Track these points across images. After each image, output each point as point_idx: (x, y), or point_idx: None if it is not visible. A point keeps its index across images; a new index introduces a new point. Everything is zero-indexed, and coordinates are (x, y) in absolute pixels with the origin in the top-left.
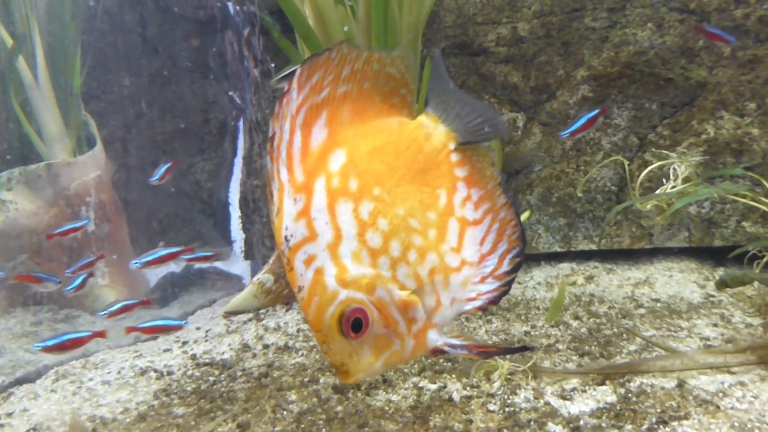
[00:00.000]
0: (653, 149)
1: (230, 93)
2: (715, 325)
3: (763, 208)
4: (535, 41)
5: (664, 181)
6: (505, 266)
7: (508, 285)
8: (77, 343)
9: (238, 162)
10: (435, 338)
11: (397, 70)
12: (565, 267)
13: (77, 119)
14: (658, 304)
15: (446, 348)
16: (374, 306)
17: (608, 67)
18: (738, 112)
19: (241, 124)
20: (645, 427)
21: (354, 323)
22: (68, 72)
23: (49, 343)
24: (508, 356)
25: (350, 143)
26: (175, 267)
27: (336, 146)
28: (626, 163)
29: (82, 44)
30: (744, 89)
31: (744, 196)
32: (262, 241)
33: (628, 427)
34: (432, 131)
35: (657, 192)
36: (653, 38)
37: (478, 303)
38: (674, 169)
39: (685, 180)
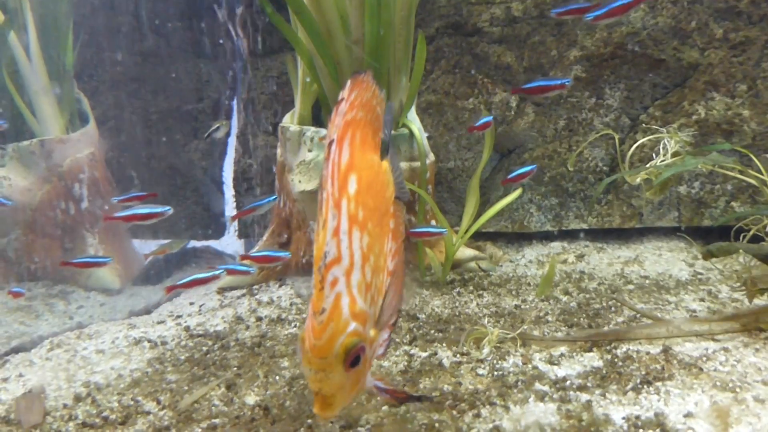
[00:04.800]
0: (643, 125)
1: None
2: (702, 299)
3: (751, 181)
4: (528, 21)
5: (654, 156)
6: (393, 318)
7: (390, 335)
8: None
9: (232, 141)
10: (370, 380)
11: (382, 114)
12: (556, 246)
13: (70, 96)
14: (647, 281)
15: (375, 390)
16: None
17: (601, 47)
18: (729, 93)
19: (235, 103)
20: (629, 386)
21: (355, 358)
22: (60, 48)
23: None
24: (497, 326)
25: (358, 171)
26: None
27: (352, 170)
28: (616, 136)
29: (75, 22)
30: (735, 71)
31: (732, 169)
32: (256, 220)
33: (614, 386)
34: (390, 179)
35: (647, 166)
36: (646, 19)
37: (381, 351)
38: (664, 144)
39: (674, 155)
